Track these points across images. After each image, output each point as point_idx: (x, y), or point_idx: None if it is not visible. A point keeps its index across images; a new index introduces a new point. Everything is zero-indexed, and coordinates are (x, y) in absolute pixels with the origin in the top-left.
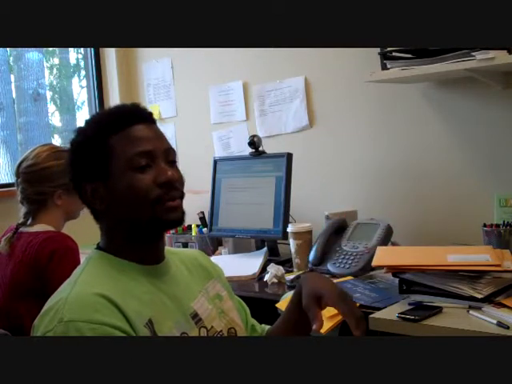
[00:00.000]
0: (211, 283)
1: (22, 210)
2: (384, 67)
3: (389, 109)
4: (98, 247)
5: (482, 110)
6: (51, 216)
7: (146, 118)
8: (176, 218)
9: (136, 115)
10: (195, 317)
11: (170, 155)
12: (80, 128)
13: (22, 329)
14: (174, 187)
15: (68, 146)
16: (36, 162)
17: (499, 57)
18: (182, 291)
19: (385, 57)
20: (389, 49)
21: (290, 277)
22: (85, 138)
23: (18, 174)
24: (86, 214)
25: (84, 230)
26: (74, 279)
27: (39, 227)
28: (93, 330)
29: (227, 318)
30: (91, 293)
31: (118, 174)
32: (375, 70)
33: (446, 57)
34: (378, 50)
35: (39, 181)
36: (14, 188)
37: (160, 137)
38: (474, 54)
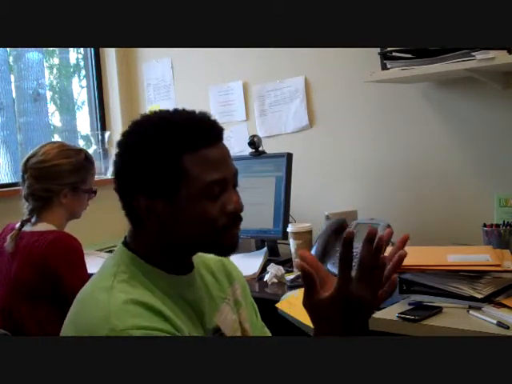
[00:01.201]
0: (233, 288)
1: (26, 206)
2: (384, 67)
3: (389, 109)
4: (127, 245)
5: (482, 110)
6: (55, 215)
7: (221, 136)
8: (235, 245)
9: (212, 134)
10: (217, 331)
11: (236, 179)
12: (137, 132)
13: (22, 329)
14: (240, 217)
15: (117, 146)
16: (45, 159)
17: (499, 57)
18: (206, 304)
19: (385, 57)
20: (389, 49)
21: (289, 277)
22: (149, 148)
23: (25, 169)
24: (86, 214)
25: (85, 229)
26: (109, 284)
27: (42, 226)
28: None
29: (242, 327)
30: (135, 300)
31: (188, 198)
32: (375, 70)
33: (445, 57)
34: (378, 49)
35: (47, 178)
36: (14, 188)
37: (230, 158)
38: (474, 53)
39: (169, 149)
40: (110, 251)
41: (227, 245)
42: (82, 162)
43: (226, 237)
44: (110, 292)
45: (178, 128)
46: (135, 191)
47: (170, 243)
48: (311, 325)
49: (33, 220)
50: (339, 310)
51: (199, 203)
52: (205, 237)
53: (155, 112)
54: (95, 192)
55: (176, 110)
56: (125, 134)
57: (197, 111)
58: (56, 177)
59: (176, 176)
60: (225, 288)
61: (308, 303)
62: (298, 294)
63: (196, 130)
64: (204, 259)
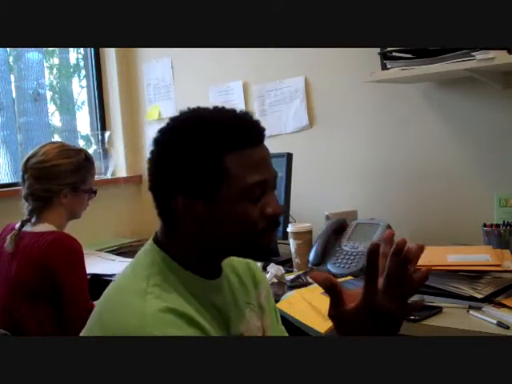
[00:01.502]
0: (258, 292)
1: (26, 206)
2: (384, 67)
3: (389, 109)
4: (158, 243)
5: (482, 110)
6: (55, 215)
7: (263, 136)
8: (272, 249)
9: (255, 134)
10: None
11: (275, 181)
12: (178, 130)
13: (22, 329)
14: (279, 221)
15: (154, 144)
16: (45, 159)
17: (499, 57)
18: (232, 310)
19: (385, 57)
20: (389, 49)
21: (290, 277)
22: (191, 147)
23: (25, 169)
24: (86, 214)
25: (85, 229)
26: (143, 287)
27: (42, 227)
28: None
29: (265, 334)
30: (171, 309)
31: (229, 199)
32: (375, 70)
33: (446, 57)
34: (378, 49)
35: (47, 178)
36: (14, 188)
37: (270, 160)
38: (474, 53)
39: (211, 148)
40: (110, 251)
41: (264, 249)
42: (82, 162)
43: (263, 240)
44: (144, 297)
45: (221, 127)
46: (173, 191)
47: (206, 246)
48: (311, 325)
49: (33, 220)
50: (366, 320)
51: (240, 205)
52: (243, 239)
53: (194, 109)
54: (95, 192)
55: (217, 108)
56: (163, 131)
57: (238, 110)
58: (56, 177)
59: (217, 176)
60: (250, 292)
61: (334, 313)
62: (301, 291)
63: (239, 130)
64: (231, 261)
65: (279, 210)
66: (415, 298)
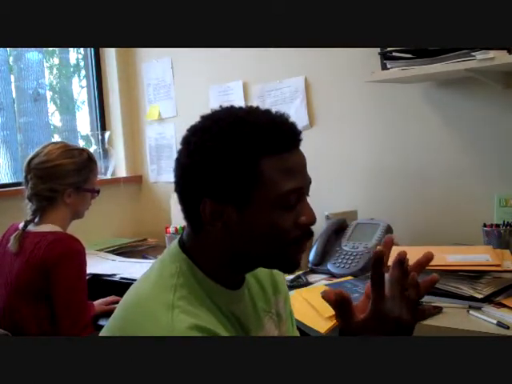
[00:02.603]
0: (277, 299)
1: (29, 206)
2: (384, 67)
3: (389, 109)
4: (184, 248)
5: (482, 110)
6: (59, 214)
7: (300, 141)
8: (299, 262)
9: (293, 138)
10: None
11: (309, 188)
12: (210, 130)
13: (23, 330)
14: (312, 231)
15: (183, 143)
16: (48, 159)
17: (499, 57)
18: (252, 319)
19: (385, 57)
20: (389, 49)
21: (290, 277)
22: (224, 149)
23: (28, 169)
24: (86, 214)
25: (85, 229)
26: (170, 300)
27: (46, 227)
28: None
29: None
30: (199, 326)
31: (261, 205)
32: (375, 70)
33: (446, 57)
34: (378, 49)
35: (50, 178)
36: (14, 188)
37: (306, 166)
38: (474, 53)
39: (246, 150)
40: (110, 251)
41: (294, 260)
42: (85, 162)
43: (294, 251)
44: (171, 312)
45: (258, 129)
46: (202, 194)
47: (232, 254)
48: (311, 325)
49: (36, 220)
50: (375, 329)
51: (273, 212)
52: (272, 249)
53: (228, 109)
54: (98, 191)
55: (252, 108)
56: (194, 130)
57: (274, 111)
58: (59, 177)
59: (251, 180)
60: (269, 298)
61: (346, 327)
62: (301, 291)
63: (277, 133)
64: None
65: (313, 218)
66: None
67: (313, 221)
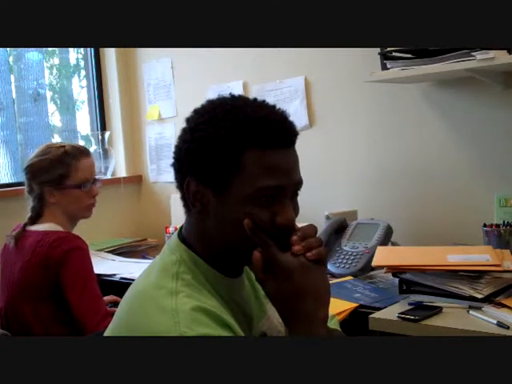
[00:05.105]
0: None
1: (30, 205)
2: (384, 67)
3: (389, 109)
4: (183, 240)
5: (483, 110)
6: (52, 214)
7: (293, 141)
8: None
9: (283, 137)
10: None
11: (298, 189)
12: (207, 113)
13: (25, 329)
14: (288, 233)
15: (185, 122)
16: (29, 159)
17: (499, 57)
18: (254, 307)
19: (385, 57)
20: (389, 49)
21: None
22: (213, 133)
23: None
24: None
25: (85, 229)
26: (173, 287)
27: (48, 226)
28: None
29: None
30: (203, 308)
31: (237, 195)
32: (375, 70)
33: (445, 57)
34: (378, 49)
35: (28, 177)
36: (14, 188)
37: (296, 166)
38: (474, 53)
39: (233, 139)
40: (110, 251)
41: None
42: (60, 157)
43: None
44: (175, 296)
45: (249, 121)
46: (188, 172)
47: (209, 238)
48: None
49: (36, 219)
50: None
51: (246, 204)
52: (242, 242)
53: (234, 97)
54: (91, 186)
55: (255, 102)
56: (196, 111)
57: (276, 108)
58: (34, 176)
59: (232, 168)
60: None
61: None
62: None
63: (266, 128)
64: None
65: (289, 221)
66: (416, 298)
67: (288, 223)
